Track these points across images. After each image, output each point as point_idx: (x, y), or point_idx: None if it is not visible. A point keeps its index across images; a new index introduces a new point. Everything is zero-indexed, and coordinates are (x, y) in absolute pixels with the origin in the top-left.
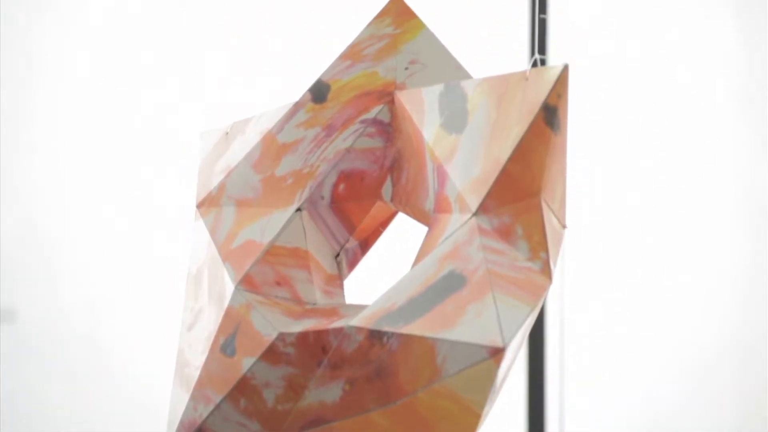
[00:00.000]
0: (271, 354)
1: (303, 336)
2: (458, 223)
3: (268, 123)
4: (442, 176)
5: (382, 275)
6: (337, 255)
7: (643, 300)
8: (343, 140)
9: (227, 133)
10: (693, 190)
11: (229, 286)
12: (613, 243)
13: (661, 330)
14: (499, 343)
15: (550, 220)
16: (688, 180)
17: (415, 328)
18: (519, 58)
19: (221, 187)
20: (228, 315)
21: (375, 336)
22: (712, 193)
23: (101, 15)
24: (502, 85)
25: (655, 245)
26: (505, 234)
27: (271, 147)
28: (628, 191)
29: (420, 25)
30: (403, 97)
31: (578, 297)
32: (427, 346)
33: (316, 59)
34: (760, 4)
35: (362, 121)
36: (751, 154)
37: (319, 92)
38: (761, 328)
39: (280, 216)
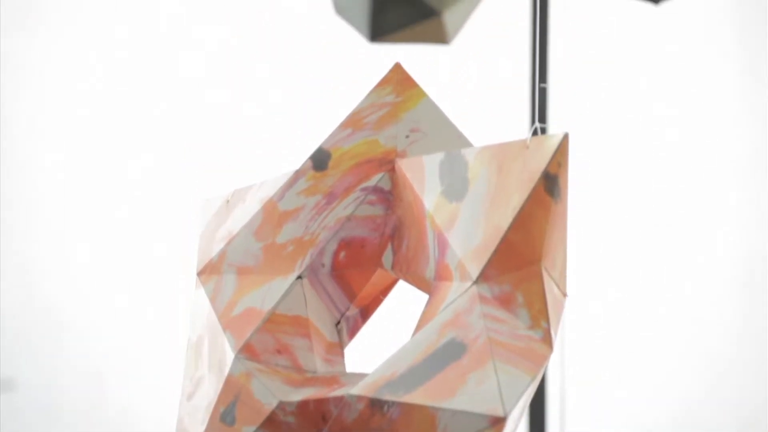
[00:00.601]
0: (271, 423)
1: (303, 404)
2: (459, 291)
3: (269, 191)
4: (442, 244)
5: (383, 343)
6: (338, 323)
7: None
8: (343, 208)
9: (228, 201)
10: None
11: (230, 355)
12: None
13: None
14: (500, 413)
15: (550, 289)
16: (689, 227)
17: (416, 396)
18: (519, 127)
19: (222, 254)
20: (228, 383)
21: (376, 404)
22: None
23: (96, 71)
24: (502, 154)
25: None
26: (505, 302)
27: (272, 214)
28: (630, 242)
29: (421, 94)
30: (403, 165)
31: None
32: (427, 414)
33: (317, 127)
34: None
35: (363, 189)
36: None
37: (319, 160)
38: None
39: (281, 284)
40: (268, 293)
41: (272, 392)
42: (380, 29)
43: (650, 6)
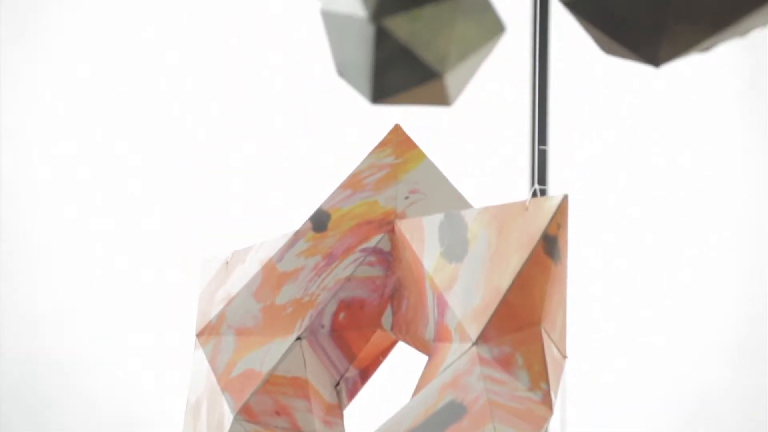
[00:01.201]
0: None
1: None
2: (458, 353)
3: (269, 252)
4: (442, 305)
5: (383, 405)
6: (337, 384)
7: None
8: (343, 269)
9: (227, 262)
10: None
11: (228, 416)
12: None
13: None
14: None
15: (550, 350)
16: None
17: None
18: (519, 189)
19: (221, 316)
20: None
21: None
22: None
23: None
24: (502, 215)
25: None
26: (505, 363)
27: (272, 275)
28: (630, 302)
29: (420, 155)
30: (403, 226)
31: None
32: None
33: (317, 188)
34: None
35: (362, 250)
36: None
37: (319, 221)
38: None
39: (280, 345)
40: (267, 354)
41: None
42: (382, 91)
43: (651, 68)
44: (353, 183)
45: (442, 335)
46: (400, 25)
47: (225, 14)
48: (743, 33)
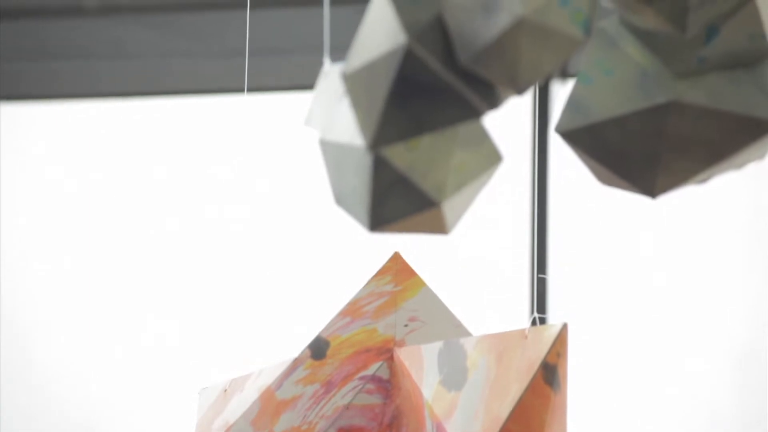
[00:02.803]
0: None
1: None
2: None
3: (267, 379)
4: None
5: None
6: None
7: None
8: (341, 397)
9: (225, 390)
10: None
11: None
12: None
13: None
14: None
15: None
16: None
17: None
18: (519, 317)
19: None
20: None
21: None
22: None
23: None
24: (501, 343)
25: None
26: None
27: (270, 403)
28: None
29: (420, 283)
30: (402, 354)
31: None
32: None
33: (316, 315)
34: None
35: (361, 378)
36: None
37: (318, 348)
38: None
39: None
40: None
41: None
42: (380, 219)
43: (647, 199)
44: (353, 310)
45: None
46: (398, 155)
47: (220, 143)
48: (739, 166)
